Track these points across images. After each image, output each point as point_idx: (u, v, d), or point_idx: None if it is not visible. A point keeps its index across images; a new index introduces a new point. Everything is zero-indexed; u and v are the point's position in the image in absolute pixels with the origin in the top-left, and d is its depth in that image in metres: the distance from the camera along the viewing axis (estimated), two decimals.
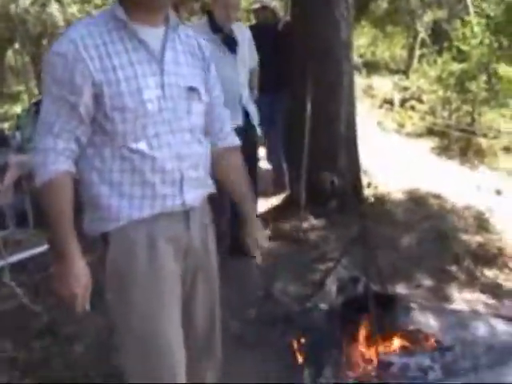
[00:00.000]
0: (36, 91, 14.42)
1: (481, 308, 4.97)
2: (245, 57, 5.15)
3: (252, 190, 5.25)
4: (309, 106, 5.77)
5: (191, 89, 2.46)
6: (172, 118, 2.35)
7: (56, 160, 2.24)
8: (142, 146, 2.28)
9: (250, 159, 5.26)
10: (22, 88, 18.40)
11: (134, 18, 2.30)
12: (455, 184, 8.61)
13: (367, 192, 7.10)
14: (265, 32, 6.57)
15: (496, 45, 13.03)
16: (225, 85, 4.87)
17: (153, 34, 2.35)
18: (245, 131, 5.02)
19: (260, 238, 2.83)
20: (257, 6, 7.51)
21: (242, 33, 5.19)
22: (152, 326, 2.38)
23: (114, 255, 2.32)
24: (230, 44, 5.02)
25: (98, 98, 2.24)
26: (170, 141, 2.33)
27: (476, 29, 13.28)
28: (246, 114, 5.14)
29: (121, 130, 2.27)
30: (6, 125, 7.43)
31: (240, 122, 5.01)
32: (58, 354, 4.10)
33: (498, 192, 8.93)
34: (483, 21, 13.42)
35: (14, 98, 19.55)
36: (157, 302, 2.39)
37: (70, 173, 2.29)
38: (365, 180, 7.19)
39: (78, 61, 2.20)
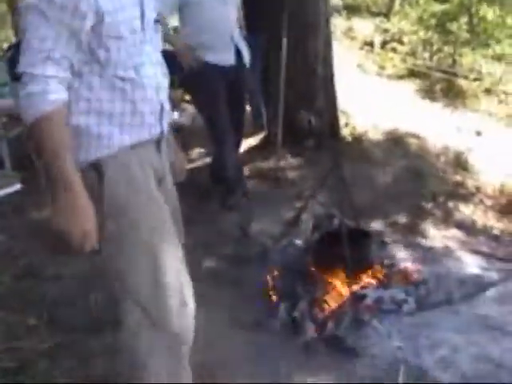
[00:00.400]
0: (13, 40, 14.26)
1: (456, 244, 5.02)
2: None
3: (240, 128, 5.32)
4: (285, 46, 5.71)
5: (156, 21, 2.45)
6: (151, 50, 2.34)
7: (57, 89, 2.11)
8: (132, 74, 2.26)
9: (240, 97, 5.25)
10: None
11: None
12: (435, 125, 8.62)
13: (345, 131, 7.08)
14: None
15: None
16: (216, 23, 4.88)
17: None
18: (236, 70, 4.99)
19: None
20: None
21: None
22: (161, 239, 2.37)
23: (112, 181, 2.25)
24: None
25: (96, 25, 2.15)
26: (152, 72, 2.33)
27: None
28: (238, 53, 5.07)
29: (114, 58, 2.21)
30: None
31: (232, 60, 5.01)
32: (40, 294, 4.10)
33: (478, 133, 8.96)
34: None
35: None
36: (160, 218, 2.39)
37: (67, 104, 2.17)
38: (343, 120, 7.16)
39: None
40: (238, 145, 5.47)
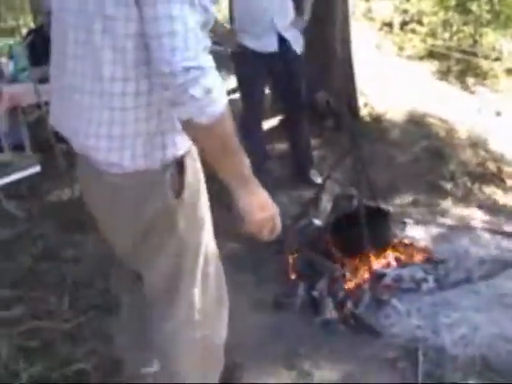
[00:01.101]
0: (32, 25, 14.27)
1: (476, 223, 5.00)
2: None
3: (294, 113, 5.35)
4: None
5: None
6: None
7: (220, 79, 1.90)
8: None
9: (286, 84, 5.24)
10: (18, 22, 18.22)
11: None
12: (456, 106, 8.57)
13: (364, 112, 7.05)
14: None
15: None
16: (256, 11, 4.90)
17: None
18: (279, 57, 4.98)
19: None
20: None
21: None
22: (213, 242, 2.41)
23: (190, 178, 2.16)
24: None
25: None
26: None
27: None
28: (283, 40, 5.00)
29: None
30: (3, 59, 7.31)
31: (274, 47, 4.97)
32: (59, 275, 4.14)
33: (498, 113, 8.89)
34: None
35: (10, 32, 19.37)
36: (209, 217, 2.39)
37: None
38: (362, 101, 7.13)
39: None
40: (298, 134, 5.53)
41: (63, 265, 4.26)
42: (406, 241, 4.34)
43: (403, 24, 14.43)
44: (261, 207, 2.02)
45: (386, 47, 12.84)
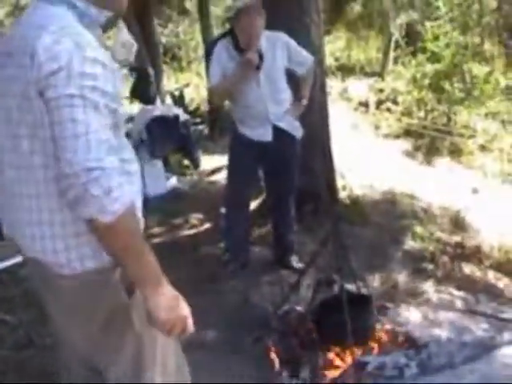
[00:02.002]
0: None
1: (457, 304, 5.02)
2: (273, 69, 4.96)
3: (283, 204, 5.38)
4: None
5: None
6: None
7: (124, 179, 1.98)
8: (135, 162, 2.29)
9: (280, 173, 5.29)
10: None
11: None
12: (432, 184, 8.66)
13: (342, 194, 7.13)
14: None
15: (464, 44, 13.17)
16: (251, 103, 4.97)
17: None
18: (278, 147, 5.05)
19: None
20: (231, 13, 7.46)
21: (273, 41, 4.99)
22: None
23: None
24: None
25: None
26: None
27: (446, 28, 13.41)
28: (278, 130, 5.04)
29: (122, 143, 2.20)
30: None
31: (269, 138, 5.02)
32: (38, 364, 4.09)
33: (475, 191, 8.99)
34: (449, 26, 13.58)
35: None
36: None
37: None
38: (340, 182, 7.21)
39: (114, 70, 2.06)
40: (282, 221, 5.56)
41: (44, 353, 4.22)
42: (388, 326, 4.35)
43: (379, 103, 14.72)
44: (169, 308, 2.06)
45: (362, 126, 13.06)
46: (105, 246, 1.99)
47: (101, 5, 2.08)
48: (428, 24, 14.02)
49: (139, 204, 2.24)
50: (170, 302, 2.07)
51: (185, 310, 2.12)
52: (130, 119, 8.32)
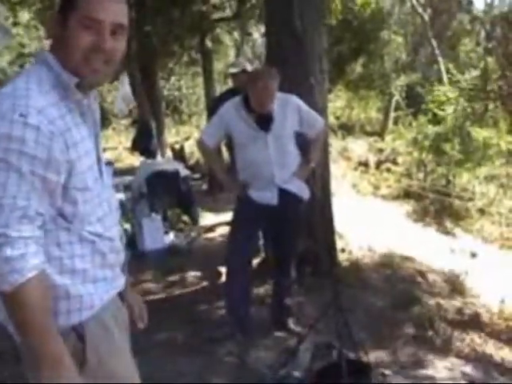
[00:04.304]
0: None
1: (456, 374, 4.93)
2: (282, 132, 4.93)
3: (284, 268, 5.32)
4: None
5: (108, 163, 2.42)
6: (109, 196, 2.27)
7: (37, 251, 1.90)
8: (99, 227, 2.13)
9: (283, 237, 5.24)
10: None
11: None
12: (430, 247, 8.65)
13: (342, 257, 7.08)
14: None
15: (469, 110, 13.29)
16: (257, 166, 4.94)
17: (85, 107, 2.14)
18: (283, 210, 5.00)
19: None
20: (235, 70, 7.51)
21: (284, 103, 4.95)
22: None
23: (94, 343, 2.11)
24: (264, 122, 4.87)
25: (65, 177, 1.99)
26: (112, 221, 2.24)
27: (450, 95, 13.56)
28: (285, 192, 4.99)
29: (81, 212, 2.06)
30: None
31: (275, 201, 4.95)
32: None
33: (473, 255, 8.96)
34: (456, 91, 13.75)
35: None
36: (131, 369, 2.33)
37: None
38: (339, 244, 7.17)
39: (54, 134, 1.92)
40: (283, 283, 5.46)
41: None
42: None
43: (378, 163, 14.80)
44: None
45: (361, 186, 13.08)
46: (9, 315, 1.94)
47: (73, 72, 2.03)
48: (434, 88, 14.16)
49: (103, 274, 2.18)
50: None
51: None
52: (130, 171, 8.32)
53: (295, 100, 5.04)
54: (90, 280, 2.12)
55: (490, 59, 15.90)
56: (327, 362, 4.30)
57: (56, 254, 2.02)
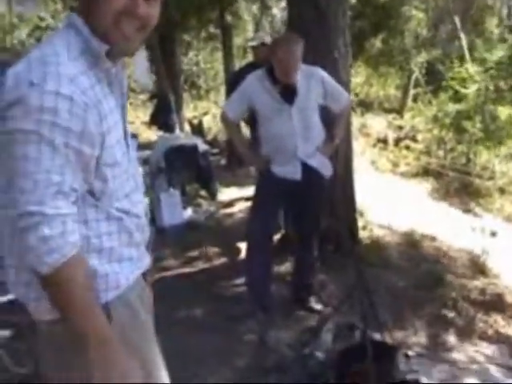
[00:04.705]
0: None
1: (479, 356, 4.86)
2: (307, 105, 4.83)
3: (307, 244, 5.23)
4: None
5: (133, 136, 2.28)
6: (135, 172, 2.16)
7: (74, 228, 1.82)
8: (126, 203, 2.05)
9: (306, 213, 5.15)
10: None
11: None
12: (451, 226, 8.54)
13: (362, 234, 6.99)
14: None
15: (492, 88, 13.10)
16: (280, 137, 4.84)
17: (113, 76, 2.04)
18: (306, 185, 4.91)
19: None
20: (255, 43, 7.43)
21: (309, 75, 4.85)
22: (157, 371, 2.24)
23: (120, 324, 2.02)
24: (288, 95, 4.78)
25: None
26: (138, 197, 2.15)
27: (473, 72, 13.36)
28: (308, 167, 4.91)
29: (110, 188, 1.96)
30: None
31: (298, 176, 4.87)
32: None
33: (493, 234, 8.84)
34: (480, 68, 13.53)
35: None
36: (155, 350, 2.25)
37: None
38: (360, 222, 7.08)
39: (88, 105, 1.82)
40: (304, 260, 5.40)
41: None
42: (411, 377, 4.18)
43: (397, 140, 14.67)
44: (115, 377, 1.88)
45: (380, 163, 12.97)
46: (48, 297, 1.86)
47: (103, 38, 1.91)
48: (455, 65, 13.94)
49: (129, 253, 2.10)
50: (117, 370, 1.89)
51: (134, 381, 1.95)
52: (148, 146, 8.25)
53: (320, 72, 4.95)
54: (116, 259, 2.03)
55: None
56: (351, 343, 4.23)
57: (83, 232, 1.91)
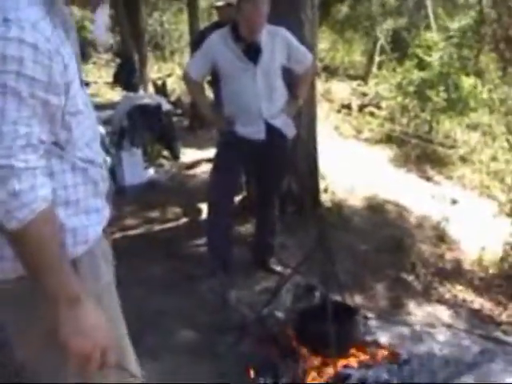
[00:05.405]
0: None
1: (437, 320, 4.91)
2: (270, 65, 4.76)
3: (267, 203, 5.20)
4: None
5: (86, 84, 2.24)
6: (93, 121, 2.07)
7: (44, 182, 1.73)
8: (89, 152, 1.96)
9: (269, 173, 5.11)
10: None
11: None
12: (412, 192, 8.62)
13: (324, 197, 6.99)
14: None
15: (456, 57, 13.17)
16: (244, 96, 4.77)
17: (68, 23, 1.91)
18: (269, 146, 4.85)
19: None
20: (220, 3, 7.37)
21: (273, 35, 4.77)
22: (122, 328, 2.18)
23: (86, 282, 1.93)
24: (252, 53, 4.70)
25: None
26: (98, 147, 2.06)
27: (437, 40, 13.43)
28: (271, 127, 4.84)
29: (74, 137, 1.87)
30: None
31: (262, 136, 4.80)
32: None
33: (454, 201, 8.93)
34: (443, 35, 13.61)
35: None
36: (118, 308, 2.19)
37: None
38: (321, 184, 7.07)
39: (52, 53, 1.71)
40: (266, 221, 5.36)
41: None
42: (369, 338, 4.21)
43: (361, 107, 14.68)
44: (84, 335, 1.80)
45: (343, 129, 12.98)
46: (15, 254, 1.77)
47: None
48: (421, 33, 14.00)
49: (95, 204, 2.02)
50: (87, 328, 1.81)
51: (106, 339, 1.86)
52: (110, 106, 8.16)
53: (284, 33, 4.87)
54: (83, 211, 1.95)
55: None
56: (310, 303, 4.24)
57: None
